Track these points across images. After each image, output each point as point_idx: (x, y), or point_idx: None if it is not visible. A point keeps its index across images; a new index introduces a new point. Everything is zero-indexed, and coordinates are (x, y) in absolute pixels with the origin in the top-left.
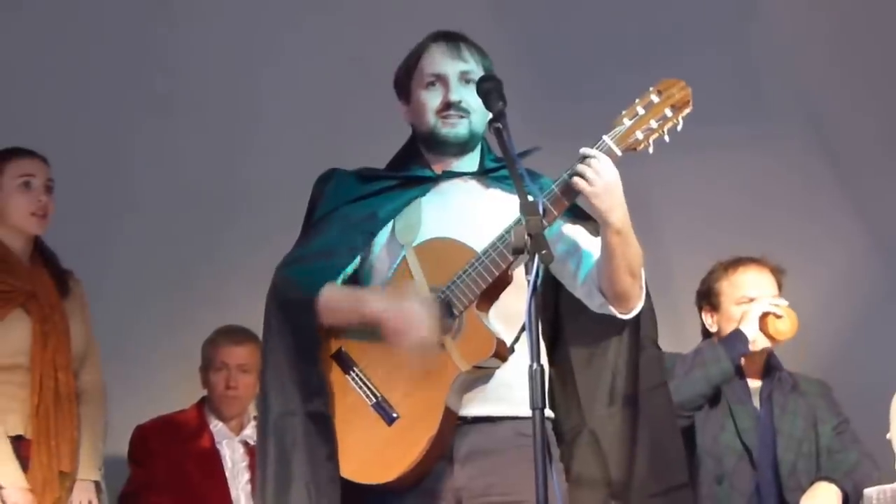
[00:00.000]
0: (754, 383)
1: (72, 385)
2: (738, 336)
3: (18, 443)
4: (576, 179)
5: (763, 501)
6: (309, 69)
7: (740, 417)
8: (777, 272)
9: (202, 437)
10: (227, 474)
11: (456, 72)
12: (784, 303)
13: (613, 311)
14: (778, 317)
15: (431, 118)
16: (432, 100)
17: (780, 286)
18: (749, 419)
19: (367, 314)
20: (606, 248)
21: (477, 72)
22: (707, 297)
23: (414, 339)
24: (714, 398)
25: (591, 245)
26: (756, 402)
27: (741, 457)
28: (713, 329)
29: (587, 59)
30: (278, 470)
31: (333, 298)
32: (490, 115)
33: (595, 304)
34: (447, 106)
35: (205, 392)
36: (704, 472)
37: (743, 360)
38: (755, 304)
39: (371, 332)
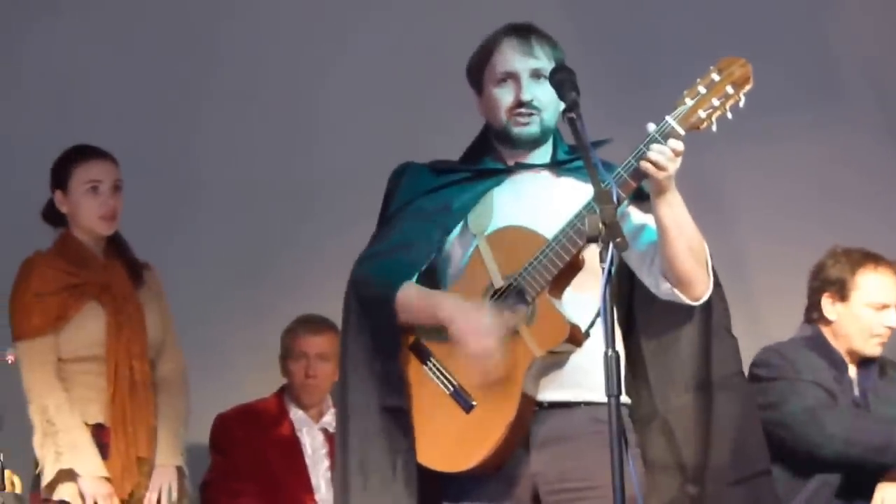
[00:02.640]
0: (852, 371)
1: (147, 374)
2: None
3: (99, 430)
4: (645, 165)
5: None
6: (385, 58)
7: None
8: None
9: (282, 425)
10: (307, 461)
11: (527, 69)
12: None
13: (681, 296)
14: None
15: (503, 116)
16: (504, 97)
17: None
18: None
19: (438, 318)
20: (661, 225)
21: (548, 67)
22: (836, 285)
23: (475, 348)
24: None
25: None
26: (856, 391)
27: None
28: (831, 318)
29: (656, 46)
30: (358, 464)
31: (409, 299)
32: (562, 107)
33: (662, 290)
34: (519, 105)
35: (284, 381)
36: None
37: (847, 355)
38: None
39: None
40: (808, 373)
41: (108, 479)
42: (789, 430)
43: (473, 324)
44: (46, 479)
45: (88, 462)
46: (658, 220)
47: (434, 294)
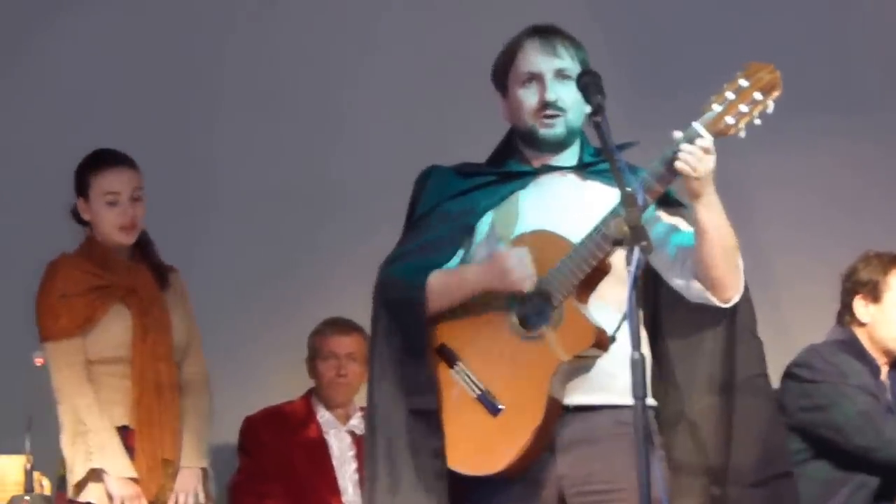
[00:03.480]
0: (883, 374)
1: (173, 375)
2: None
3: (124, 433)
4: (682, 166)
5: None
6: (410, 61)
7: None
8: None
9: (310, 428)
10: (334, 463)
11: (551, 69)
12: None
13: (712, 298)
14: None
15: (529, 118)
16: (529, 98)
17: None
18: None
19: (468, 289)
20: (698, 227)
21: (572, 67)
22: (868, 287)
23: (520, 281)
24: None
25: (687, 234)
26: (889, 396)
27: None
28: (865, 320)
29: (682, 49)
30: (387, 466)
31: (438, 282)
32: (587, 109)
33: (693, 293)
34: (543, 105)
35: (311, 383)
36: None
37: (882, 359)
38: None
39: (474, 316)
40: (853, 377)
41: (136, 481)
42: (841, 433)
43: (506, 268)
44: (76, 478)
45: (118, 462)
46: (697, 224)
47: (457, 269)
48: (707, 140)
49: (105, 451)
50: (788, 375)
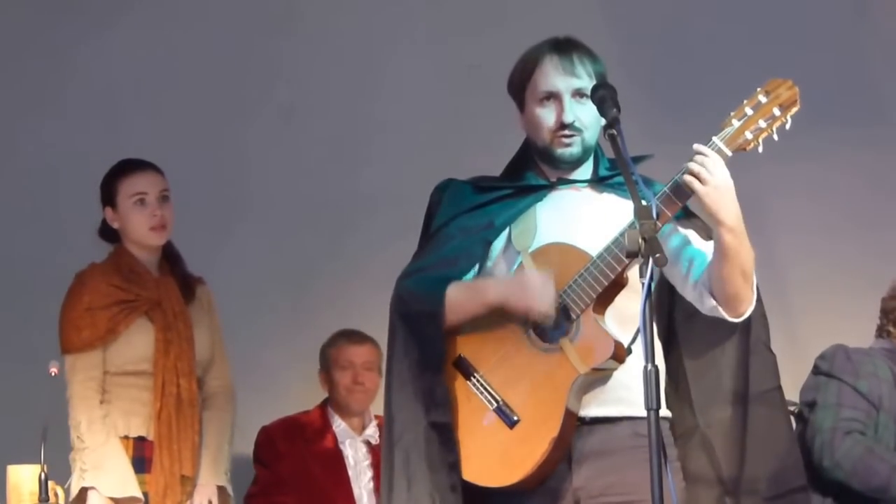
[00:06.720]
0: None
1: (194, 391)
2: None
3: (141, 444)
4: (688, 178)
5: None
6: (427, 76)
7: None
8: None
9: (326, 438)
10: (350, 473)
11: (569, 89)
12: None
13: (724, 313)
14: None
15: (545, 136)
16: (546, 117)
17: None
18: None
19: (488, 302)
20: (720, 249)
21: (589, 86)
22: None
23: (538, 305)
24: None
25: (701, 247)
26: None
27: None
28: None
29: (698, 63)
30: (403, 479)
31: (456, 294)
32: (603, 122)
33: (706, 307)
34: (561, 126)
35: (327, 394)
36: None
37: None
38: None
39: (491, 328)
40: (865, 380)
41: (133, 500)
42: (808, 438)
43: (527, 285)
44: (71, 495)
45: (112, 481)
46: (719, 245)
47: (477, 282)
48: (714, 156)
49: (98, 471)
50: (813, 367)
